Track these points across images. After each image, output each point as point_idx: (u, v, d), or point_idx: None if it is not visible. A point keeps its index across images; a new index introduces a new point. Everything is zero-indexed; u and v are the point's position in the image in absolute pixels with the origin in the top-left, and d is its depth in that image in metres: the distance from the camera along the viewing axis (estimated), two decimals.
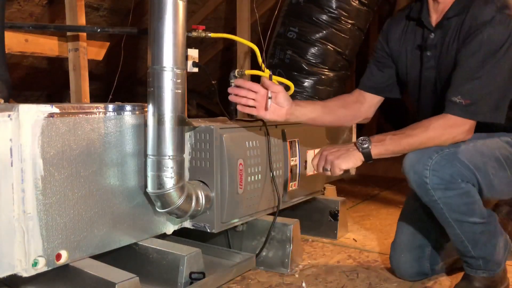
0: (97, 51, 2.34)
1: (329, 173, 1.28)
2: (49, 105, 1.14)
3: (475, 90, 1.22)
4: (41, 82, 3.20)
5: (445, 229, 1.33)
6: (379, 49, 1.54)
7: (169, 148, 1.29)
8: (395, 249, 1.53)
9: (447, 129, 1.24)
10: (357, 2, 2.66)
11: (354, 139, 2.50)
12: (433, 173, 1.22)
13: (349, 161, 1.26)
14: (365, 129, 4.17)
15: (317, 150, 1.91)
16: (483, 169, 1.25)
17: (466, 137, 1.26)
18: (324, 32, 2.71)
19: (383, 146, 1.26)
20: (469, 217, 1.26)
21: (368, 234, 2.05)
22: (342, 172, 1.27)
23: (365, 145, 1.26)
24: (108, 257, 1.32)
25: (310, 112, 1.46)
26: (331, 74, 2.78)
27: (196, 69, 1.74)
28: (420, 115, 1.42)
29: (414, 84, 1.47)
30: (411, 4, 1.47)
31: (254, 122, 1.63)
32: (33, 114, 1.11)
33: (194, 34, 1.79)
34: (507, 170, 1.30)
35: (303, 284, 1.47)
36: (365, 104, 1.57)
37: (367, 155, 1.26)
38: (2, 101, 1.37)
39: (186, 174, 1.45)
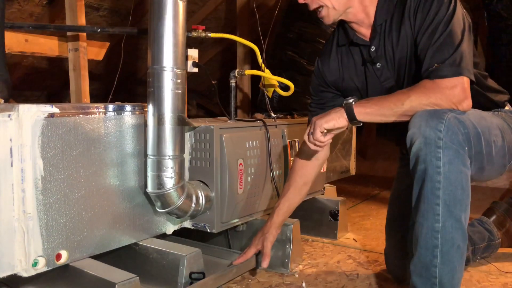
0: (97, 51, 2.34)
1: (316, 137, 1.23)
2: (49, 105, 1.14)
3: (450, 52, 1.14)
4: (41, 82, 3.20)
5: (420, 224, 1.12)
6: (317, 91, 1.47)
7: (169, 148, 1.29)
8: (386, 255, 1.54)
9: (436, 89, 1.13)
10: None
11: (354, 139, 2.50)
12: (447, 129, 1.08)
13: (330, 120, 1.21)
14: (365, 129, 4.17)
15: None
16: (487, 134, 1.17)
17: (461, 102, 1.13)
18: (324, 32, 2.71)
19: (368, 102, 1.19)
20: (460, 210, 1.09)
21: (368, 234, 2.05)
22: (325, 134, 1.22)
23: (350, 100, 1.19)
24: (108, 257, 1.32)
25: (288, 214, 1.51)
26: None
27: (196, 69, 1.74)
28: (399, 124, 1.25)
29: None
30: (332, 34, 1.43)
31: (254, 122, 1.63)
32: (33, 114, 1.11)
33: (194, 34, 1.79)
34: (504, 138, 1.24)
35: (303, 284, 1.47)
36: (321, 152, 1.46)
37: (350, 111, 1.19)
38: (2, 101, 1.37)
39: (186, 174, 1.45)
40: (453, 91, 1.12)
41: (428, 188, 1.10)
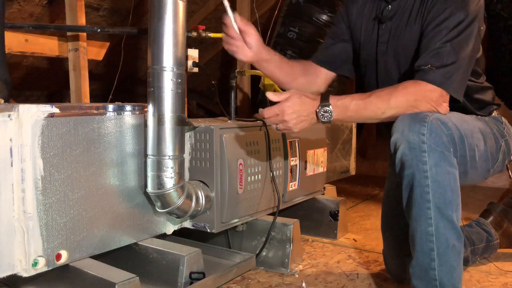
0: (97, 51, 2.34)
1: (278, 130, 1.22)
2: (49, 105, 1.14)
3: (448, 62, 1.15)
4: (41, 82, 3.20)
5: (414, 229, 1.13)
6: (338, 22, 1.50)
7: (169, 148, 1.29)
8: (384, 254, 1.53)
9: (417, 92, 1.14)
10: None
11: (354, 139, 2.49)
12: (430, 132, 1.08)
13: (300, 123, 1.18)
14: (365, 129, 4.17)
15: (317, 151, 1.93)
16: (470, 138, 1.18)
17: (439, 105, 1.15)
18: (324, 32, 2.71)
19: (346, 114, 1.17)
20: (451, 211, 1.09)
21: (368, 234, 2.05)
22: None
23: (326, 119, 1.16)
24: (108, 257, 1.32)
25: (275, 68, 1.44)
26: None
27: (196, 69, 1.74)
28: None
29: (371, 61, 1.40)
30: None
31: (254, 122, 1.63)
32: (33, 114, 1.11)
33: (194, 34, 1.80)
34: (486, 143, 1.24)
35: (303, 284, 1.47)
36: (320, 77, 1.52)
37: (327, 120, 1.18)
38: (2, 101, 1.37)
39: (186, 174, 1.45)
40: (432, 94, 1.15)
41: (417, 193, 1.10)
